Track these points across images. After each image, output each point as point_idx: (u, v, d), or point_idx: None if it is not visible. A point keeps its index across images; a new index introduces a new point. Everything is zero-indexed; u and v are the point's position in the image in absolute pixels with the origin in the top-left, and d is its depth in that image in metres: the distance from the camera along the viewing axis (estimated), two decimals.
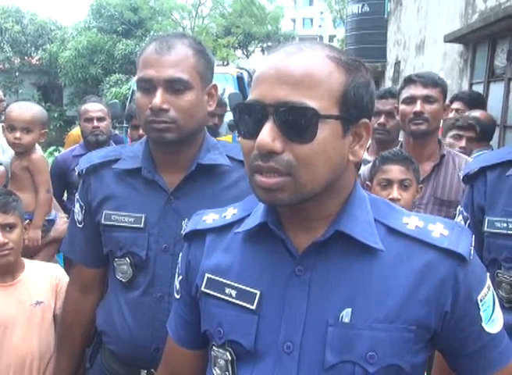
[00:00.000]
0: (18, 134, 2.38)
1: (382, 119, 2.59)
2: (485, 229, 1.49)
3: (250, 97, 0.83)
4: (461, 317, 0.86)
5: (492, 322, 0.89)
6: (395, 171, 1.86)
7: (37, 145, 2.57)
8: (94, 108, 3.32)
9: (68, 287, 1.60)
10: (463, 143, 2.77)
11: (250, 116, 0.82)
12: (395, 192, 1.83)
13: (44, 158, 2.57)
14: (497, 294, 1.43)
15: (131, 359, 1.40)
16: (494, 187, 1.49)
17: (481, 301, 0.87)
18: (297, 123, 0.78)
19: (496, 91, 6.43)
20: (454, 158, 2.14)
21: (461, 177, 1.69)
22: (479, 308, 0.87)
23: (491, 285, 0.92)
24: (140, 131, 2.86)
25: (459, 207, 1.65)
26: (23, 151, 2.45)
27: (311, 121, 0.78)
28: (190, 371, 1.08)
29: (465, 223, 1.58)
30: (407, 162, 1.88)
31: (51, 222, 2.54)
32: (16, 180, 2.45)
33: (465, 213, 1.59)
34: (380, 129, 2.59)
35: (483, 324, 0.88)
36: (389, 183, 1.86)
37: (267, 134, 0.78)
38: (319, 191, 0.83)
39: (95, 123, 3.24)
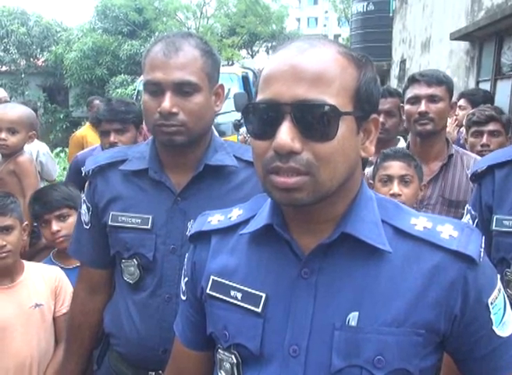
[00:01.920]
0: (3, 135, 2.31)
1: (380, 119, 2.57)
2: (494, 227, 1.48)
3: (263, 96, 0.80)
4: (471, 320, 0.84)
5: (504, 325, 0.88)
6: (395, 167, 1.86)
7: (25, 148, 2.50)
8: None
9: (75, 288, 1.59)
10: (484, 139, 2.57)
11: (263, 117, 0.79)
12: (395, 187, 1.83)
13: (31, 161, 2.48)
14: (506, 293, 1.43)
15: (139, 361, 1.40)
16: (502, 185, 1.48)
17: (491, 304, 0.85)
18: (318, 121, 0.76)
19: (503, 88, 6.39)
20: (462, 158, 2.11)
21: (469, 176, 1.68)
22: (490, 311, 0.85)
23: (502, 287, 0.90)
24: (111, 138, 2.47)
25: (467, 206, 1.64)
26: (8, 153, 2.38)
27: (332, 119, 0.76)
28: (196, 373, 1.07)
29: (473, 222, 1.57)
30: (408, 158, 1.88)
31: None
32: (4, 185, 2.35)
33: (473, 212, 1.58)
34: (379, 128, 2.58)
35: (494, 327, 0.86)
36: (389, 179, 1.87)
37: (286, 134, 0.75)
38: (335, 190, 0.82)
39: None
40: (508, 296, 1.41)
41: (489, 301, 0.85)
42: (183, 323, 1.07)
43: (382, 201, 0.91)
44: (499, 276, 0.92)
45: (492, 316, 0.86)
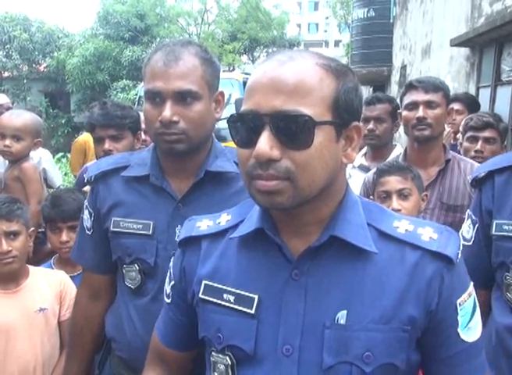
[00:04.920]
0: (7, 142, 2.32)
1: (370, 125, 2.65)
2: (493, 232, 1.49)
3: (245, 107, 0.84)
4: (441, 319, 0.88)
5: (469, 330, 0.91)
6: (392, 182, 1.86)
7: (32, 154, 2.50)
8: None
9: (78, 293, 1.61)
10: (478, 145, 2.57)
11: (245, 126, 0.84)
12: (394, 203, 1.83)
13: (36, 167, 2.47)
14: (505, 297, 1.44)
15: (140, 366, 1.39)
16: (502, 190, 1.49)
17: (460, 305, 0.89)
18: (294, 130, 0.80)
19: (504, 94, 6.39)
20: (459, 163, 2.14)
21: (470, 181, 1.69)
22: (457, 313, 0.89)
23: (474, 294, 0.94)
24: (106, 145, 2.24)
25: (468, 211, 1.65)
26: (12, 160, 2.39)
27: (308, 128, 0.80)
28: (177, 369, 1.13)
29: (474, 227, 1.58)
30: (404, 171, 1.87)
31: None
32: (9, 191, 2.36)
33: (474, 217, 1.59)
34: (370, 135, 2.67)
35: (459, 330, 0.90)
36: (388, 195, 1.87)
37: (265, 143, 0.80)
38: (316, 195, 0.85)
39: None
40: (508, 300, 1.42)
41: (458, 302, 0.89)
42: (166, 324, 1.11)
43: (366, 204, 0.96)
44: (472, 283, 0.95)
45: (458, 318, 0.90)
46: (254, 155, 0.81)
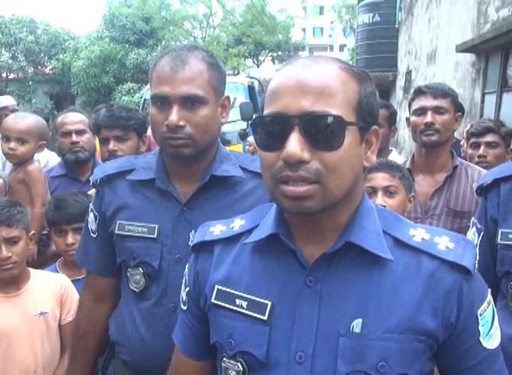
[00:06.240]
0: (12, 145, 2.32)
1: None
2: (499, 241, 1.48)
3: (271, 110, 0.83)
4: (462, 330, 0.87)
5: (490, 337, 0.91)
6: (378, 178, 1.84)
7: (36, 157, 2.50)
8: (72, 119, 2.59)
9: (81, 296, 1.60)
10: (481, 150, 2.60)
11: (272, 129, 0.83)
12: (379, 199, 1.80)
13: (40, 170, 2.46)
14: (510, 307, 1.43)
15: (144, 369, 1.41)
16: (508, 199, 1.48)
17: (480, 315, 0.89)
18: (325, 131, 0.79)
19: (509, 100, 6.38)
20: (467, 170, 2.14)
21: (475, 189, 1.68)
22: (478, 322, 0.88)
23: (491, 300, 0.93)
24: (110, 146, 2.25)
25: (473, 219, 1.64)
26: (17, 162, 2.39)
27: (339, 128, 0.80)
28: None
29: (479, 235, 1.57)
30: (392, 169, 1.86)
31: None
32: (14, 194, 2.36)
33: (479, 225, 1.58)
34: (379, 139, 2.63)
35: (481, 339, 0.89)
36: (373, 191, 1.85)
37: (295, 144, 0.79)
38: (342, 198, 0.85)
39: (74, 138, 2.54)
40: None
41: (479, 312, 0.88)
42: (183, 333, 1.08)
43: (381, 212, 0.94)
44: (490, 290, 0.94)
45: (480, 328, 0.89)
46: (283, 156, 0.80)
